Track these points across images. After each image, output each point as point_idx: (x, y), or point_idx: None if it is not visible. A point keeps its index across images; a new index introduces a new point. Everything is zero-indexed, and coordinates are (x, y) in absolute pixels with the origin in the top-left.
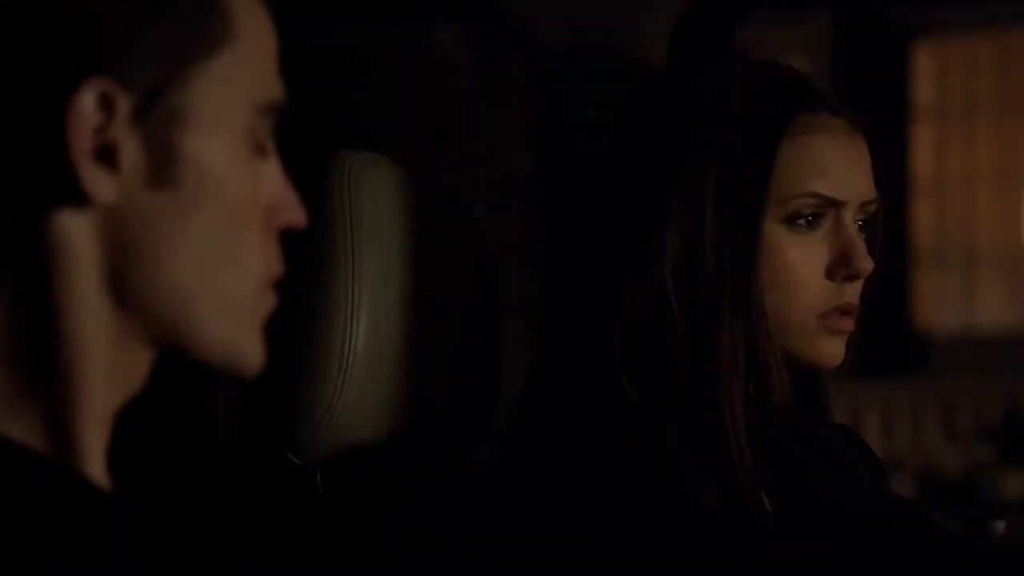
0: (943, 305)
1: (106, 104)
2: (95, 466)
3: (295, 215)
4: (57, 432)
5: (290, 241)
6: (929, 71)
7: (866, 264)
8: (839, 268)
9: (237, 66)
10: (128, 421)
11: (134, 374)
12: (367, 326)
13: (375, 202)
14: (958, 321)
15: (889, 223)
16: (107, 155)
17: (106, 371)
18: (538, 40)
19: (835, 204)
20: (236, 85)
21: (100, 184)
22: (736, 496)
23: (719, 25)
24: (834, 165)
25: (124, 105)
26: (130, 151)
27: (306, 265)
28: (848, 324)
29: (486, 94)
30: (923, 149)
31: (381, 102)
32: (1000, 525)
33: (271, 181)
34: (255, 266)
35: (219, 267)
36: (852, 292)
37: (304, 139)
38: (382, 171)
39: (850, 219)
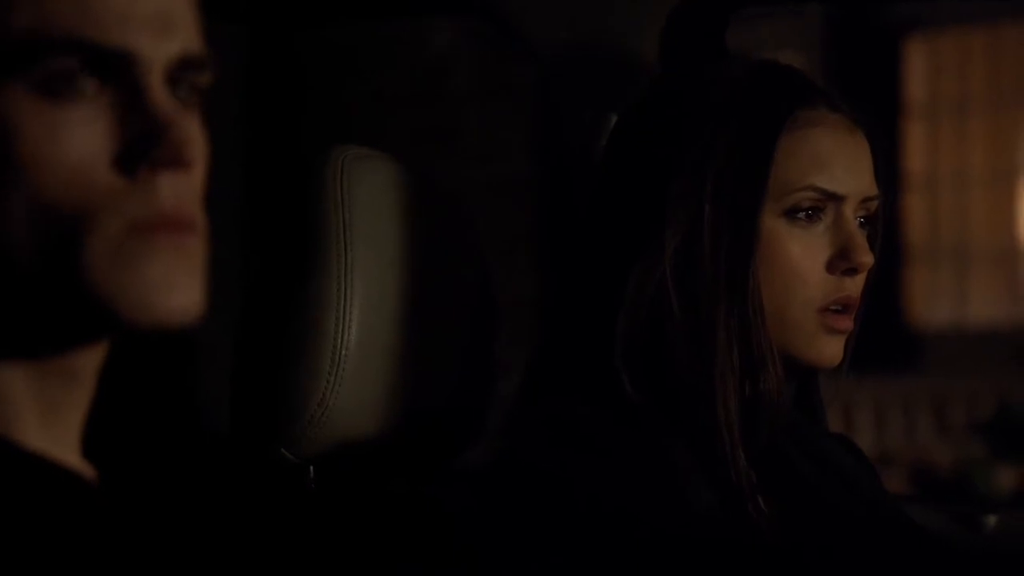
0: (935, 301)
1: None
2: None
3: (168, 152)
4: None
5: (283, 235)
6: (921, 68)
7: (866, 258)
8: (839, 262)
9: None
10: (118, 414)
11: (74, 364)
12: (360, 321)
13: (368, 196)
14: (950, 317)
15: (883, 220)
16: None
17: (15, 371)
18: (536, 39)
19: (835, 198)
20: None
21: None
22: (732, 496)
23: (710, 22)
24: (834, 159)
25: None
26: None
27: (298, 260)
28: (847, 324)
29: (485, 94)
30: (915, 146)
31: (380, 101)
32: (992, 520)
33: (92, 126)
34: (103, 213)
35: (53, 235)
36: (852, 286)
37: (302, 139)
38: (374, 165)
39: (850, 214)
